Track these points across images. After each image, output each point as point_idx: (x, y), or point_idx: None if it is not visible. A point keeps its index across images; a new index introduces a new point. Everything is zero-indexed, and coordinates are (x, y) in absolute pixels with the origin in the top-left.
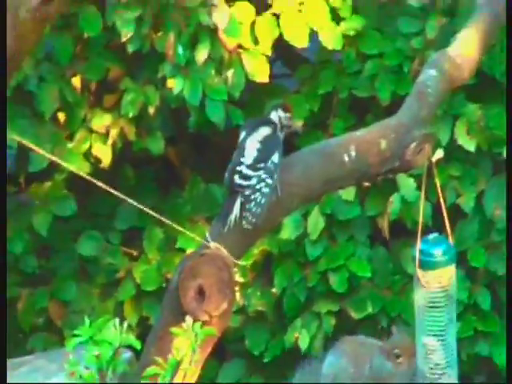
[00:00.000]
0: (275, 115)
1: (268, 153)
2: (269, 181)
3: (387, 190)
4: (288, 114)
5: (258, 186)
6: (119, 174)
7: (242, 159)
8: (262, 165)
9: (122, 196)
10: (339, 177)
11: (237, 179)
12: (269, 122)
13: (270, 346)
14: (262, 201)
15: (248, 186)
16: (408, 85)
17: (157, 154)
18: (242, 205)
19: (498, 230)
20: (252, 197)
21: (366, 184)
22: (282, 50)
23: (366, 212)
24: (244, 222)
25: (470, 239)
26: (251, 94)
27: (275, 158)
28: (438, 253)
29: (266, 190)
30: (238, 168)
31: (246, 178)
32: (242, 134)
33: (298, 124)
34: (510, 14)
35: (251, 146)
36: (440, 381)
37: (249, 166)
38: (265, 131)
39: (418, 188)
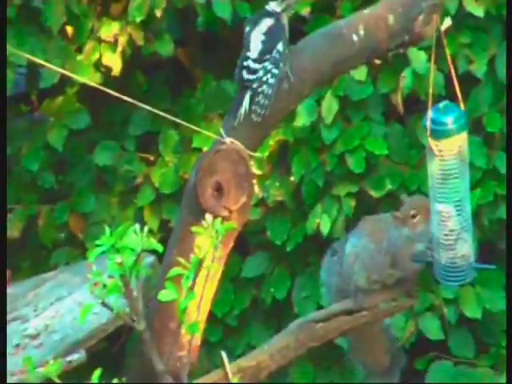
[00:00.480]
0: (274, 4)
1: (272, 43)
2: (275, 71)
3: (399, 65)
4: None
5: (264, 78)
6: (130, 80)
7: (248, 53)
8: (268, 56)
9: (134, 102)
10: (349, 57)
11: (245, 74)
12: (270, 13)
13: (291, 234)
14: (269, 91)
15: (255, 79)
16: None
17: (166, 57)
18: (252, 98)
19: None
20: (259, 89)
21: (377, 62)
22: None
23: (379, 90)
24: (253, 115)
25: (485, 105)
26: None
27: (280, 46)
28: (449, 120)
29: (272, 80)
30: (245, 63)
31: (253, 71)
32: (247, 29)
33: (306, 10)
34: (510, 14)
35: (255, 39)
36: (455, 246)
37: (255, 60)
38: (267, 22)
39: (430, 60)
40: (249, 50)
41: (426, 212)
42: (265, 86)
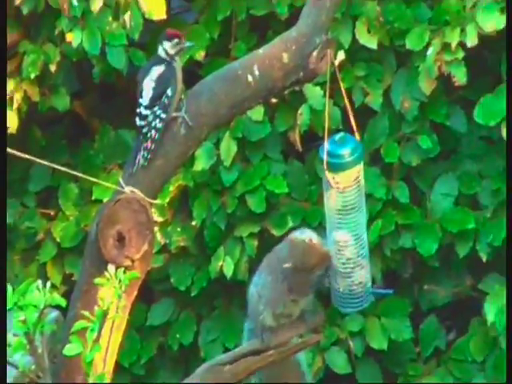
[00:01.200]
0: (161, 50)
1: (162, 88)
2: (163, 115)
3: (295, 102)
4: (174, 40)
5: (153, 123)
6: (28, 137)
7: (140, 100)
8: (158, 102)
9: (33, 158)
10: (245, 98)
11: (137, 121)
12: (161, 60)
13: (195, 279)
14: (157, 136)
15: (145, 125)
16: None
17: (63, 111)
18: (141, 143)
19: (407, 121)
20: (148, 134)
21: (274, 100)
22: None
23: (276, 128)
24: (141, 160)
25: (382, 136)
26: (151, 34)
27: (169, 91)
28: (345, 153)
29: (159, 125)
30: (138, 110)
31: (144, 117)
32: (139, 77)
33: (201, 54)
34: (510, 14)
35: (147, 86)
36: (353, 273)
37: (146, 107)
38: (159, 69)
39: (325, 95)
40: (141, 97)
41: (322, 261)
42: (153, 131)
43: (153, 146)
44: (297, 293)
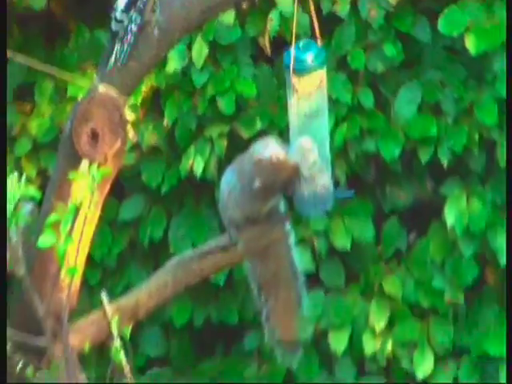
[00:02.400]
0: None
1: None
2: (138, 19)
3: (266, 8)
4: None
5: (128, 27)
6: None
7: (115, 5)
8: (133, 6)
9: (10, 55)
10: (218, 2)
11: (113, 25)
12: None
13: (166, 177)
14: (132, 39)
15: (121, 29)
16: None
17: (39, 9)
18: (118, 46)
19: (373, 30)
20: (124, 38)
21: (245, 5)
22: None
23: (247, 33)
24: (117, 62)
25: (348, 43)
26: None
27: None
28: (308, 58)
29: (135, 28)
30: (113, 15)
31: (120, 21)
32: None
33: None
34: (510, 14)
35: None
36: (317, 177)
37: (122, 11)
38: None
39: (294, 1)
40: (116, 0)
41: (291, 176)
42: (128, 35)
43: (128, 49)
44: (266, 196)
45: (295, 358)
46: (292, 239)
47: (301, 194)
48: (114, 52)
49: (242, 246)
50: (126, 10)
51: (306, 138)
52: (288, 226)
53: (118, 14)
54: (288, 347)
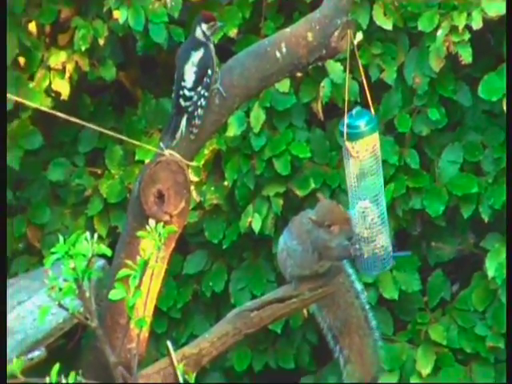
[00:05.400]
0: (199, 32)
1: (204, 71)
2: (206, 94)
3: (318, 76)
4: (211, 22)
5: (198, 102)
6: (78, 103)
7: (183, 84)
8: (201, 83)
9: (82, 122)
10: (274, 72)
11: (182, 102)
12: (198, 44)
13: (227, 233)
14: (202, 112)
15: (191, 105)
16: None
17: (110, 80)
18: (188, 120)
19: (418, 95)
20: (195, 112)
21: (299, 74)
22: None
23: (301, 99)
24: (191, 136)
25: (395, 108)
26: (189, 12)
27: (209, 71)
28: (361, 124)
29: (204, 102)
30: (181, 92)
31: (189, 98)
32: (179, 63)
33: (234, 32)
34: (510, 14)
35: (189, 70)
36: (375, 238)
37: (190, 89)
38: (198, 54)
39: (345, 70)
40: (183, 80)
41: (340, 222)
42: (199, 109)
43: (199, 122)
44: (324, 259)
45: None
46: (358, 286)
47: (361, 255)
48: (181, 126)
49: (306, 295)
50: (195, 86)
51: (364, 200)
52: (351, 272)
53: (187, 92)
54: None
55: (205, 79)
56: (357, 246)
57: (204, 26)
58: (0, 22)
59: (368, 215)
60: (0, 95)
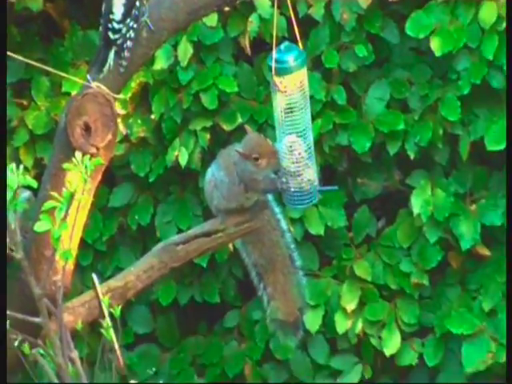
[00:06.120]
0: None
1: (132, 2)
2: (135, 25)
3: (246, 11)
4: None
5: (127, 34)
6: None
7: (111, 16)
8: (129, 15)
9: (9, 53)
10: (202, 6)
11: (110, 35)
12: None
13: (153, 167)
14: (131, 45)
15: (119, 37)
16: None
17: (37, 11)
18: (117, 53)
19: (346, 32)
20: (124, 45)
21: (227, 9)
22: None
23: (229, 34)
24: (120, 68)
25: (323, 44)
26: None
27: (137, 3)
28: (290, 59)
29: (132, 34)
30: (110, 25)
31: (118, 30)
32: None
33: None
34: (510, 14)
35: (117, 2)
36: (302, 172)
37: (119, 21)
38: None
39: (273, 6)
40: (112, 13)
41: (267, 154)
42: (128, 42)
43: (128, 54)
44: (251, 191)
45: (296, 339)
46: (284, 225)
47: (288, 188)
48: (109, 60)
49: (232, 230)
50: (123, 19)
51: (291, 135)
52: (278, 211)
53: (116, 25)
54: (289, 329)
55: (133, 11)
56: (283, 180)
57: None
58: (0, 21)
59: (295, 149)
60: (0, 95)
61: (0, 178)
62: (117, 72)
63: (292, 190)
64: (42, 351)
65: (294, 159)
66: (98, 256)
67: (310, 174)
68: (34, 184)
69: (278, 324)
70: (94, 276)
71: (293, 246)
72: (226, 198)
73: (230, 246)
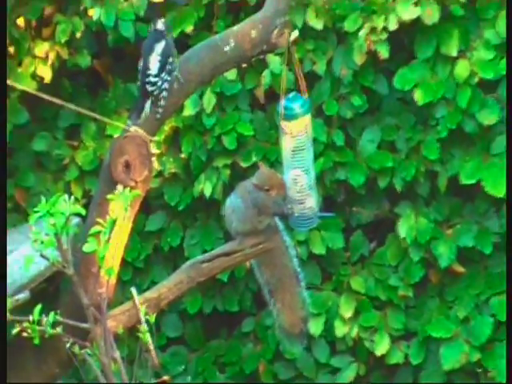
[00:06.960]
0: (161, 24)
1: (166, 59)
2: (168, 78)
3: (260, 67)
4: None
5: (162, 86)
6: (58, 86)
7: (148, 72)
8: (164, 69)
9: (62, 102)
10: (223, 63)
11: (148, 87)
12: (159, 36)
13: (182, 197)
14: (166, 94)
15: (156, 89)
16: None
17: (85, 67)
18: (153, 103)
19: (344, 84)
20: (160, 95)
21: (244, 65)
22: None
23: (245, 86)
24: (157, 115)
25: (325, 95)
26: (151, 11)
27: (170, 59)
28: (296, 106)
29: (167, 86)
30: (147, 79)
31: (154, 84)
32: (144, 53)
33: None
34: (510, 14)
35: (153, 60)
36: (305, 200)
37: (155, 75)
38: (160, 45)
39: (283, 63)
40: (149, 69)
41: (276, 186)
42: (164, 92)
43: (164, 103)
44: (263, 215)
45: (300, 348)
46: (293, 251)
47: (293, 213)
48: (145, 109)
49: (248, 251)
50: (159, 74)
51: (296, 169)
52: (288, 239)
53: (152, 78)
54: (294, 340)
55: (167, 66)
56: (289, 206)
57: (159, 22)
58: (0, 21)
59: (299, 182)
60: (0, 95)
61: (0, 179)
62: (153, 118)
63: (296, 214)
64: (89, 351)
65: (297, 189)
66: (136, 272)
67: (312, 202)
68: (83, 212)
69: (285, 335)
70: (133, 289)
71: (299, 269)
72: (242, 221)
73: (247, 263)
